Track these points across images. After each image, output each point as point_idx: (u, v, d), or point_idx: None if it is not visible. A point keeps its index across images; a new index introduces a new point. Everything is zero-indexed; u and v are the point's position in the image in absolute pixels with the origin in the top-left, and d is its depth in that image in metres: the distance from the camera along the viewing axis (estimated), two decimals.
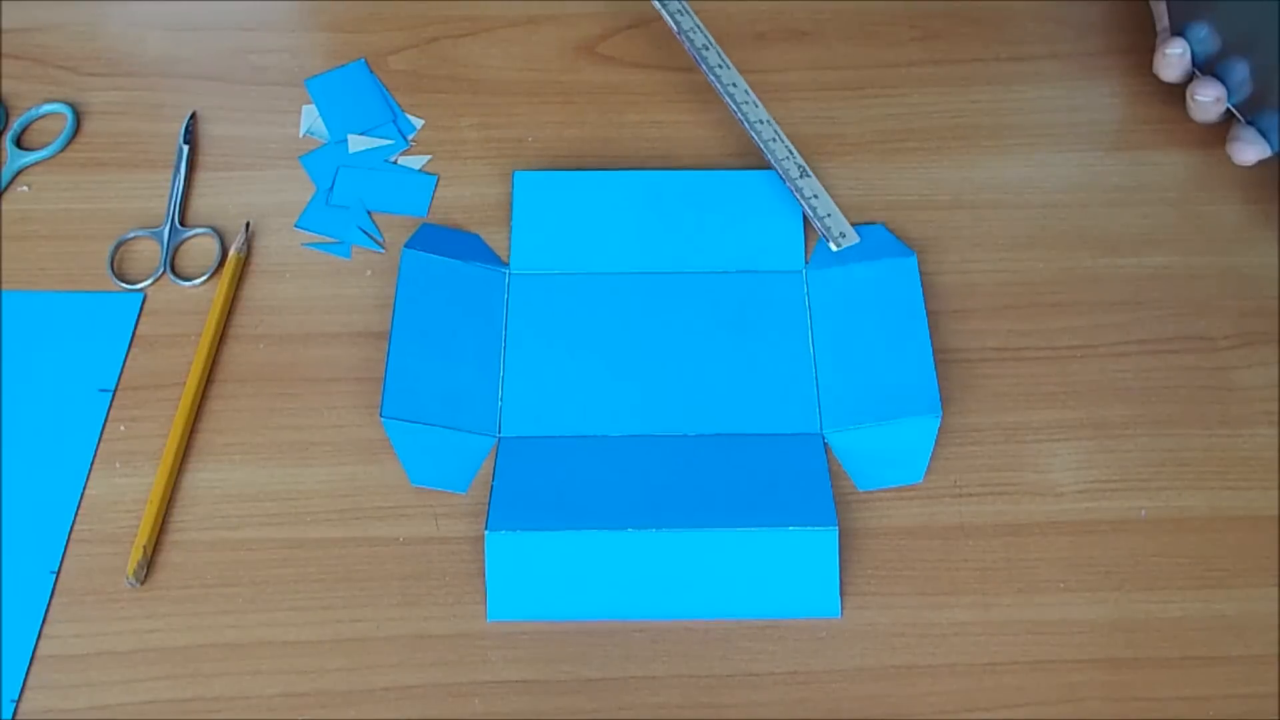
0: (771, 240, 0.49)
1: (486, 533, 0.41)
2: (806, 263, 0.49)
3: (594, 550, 0.41)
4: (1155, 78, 0.52)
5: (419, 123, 0.54)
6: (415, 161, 0.53)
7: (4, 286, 0.49)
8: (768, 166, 0.51)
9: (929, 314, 0.47)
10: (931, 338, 0.46)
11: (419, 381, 0.44)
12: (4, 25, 0.57)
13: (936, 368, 0.45)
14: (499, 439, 0.45)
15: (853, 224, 0.50)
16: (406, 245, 0.48)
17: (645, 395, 0.46)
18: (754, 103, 0.52)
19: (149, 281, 0.49)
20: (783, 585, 0.41)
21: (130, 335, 0.48)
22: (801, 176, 0.50)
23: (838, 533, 0.41)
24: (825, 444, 0.45)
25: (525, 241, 0.50)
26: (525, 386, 0.46)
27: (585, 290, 0.48)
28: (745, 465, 0.44)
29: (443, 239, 0.49)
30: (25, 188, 0.52)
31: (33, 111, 0.54)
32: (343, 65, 0.56)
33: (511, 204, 0.51)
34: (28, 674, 0.40)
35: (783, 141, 0.51)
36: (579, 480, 0.43)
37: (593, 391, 0.46)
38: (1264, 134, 0.48)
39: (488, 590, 0.41)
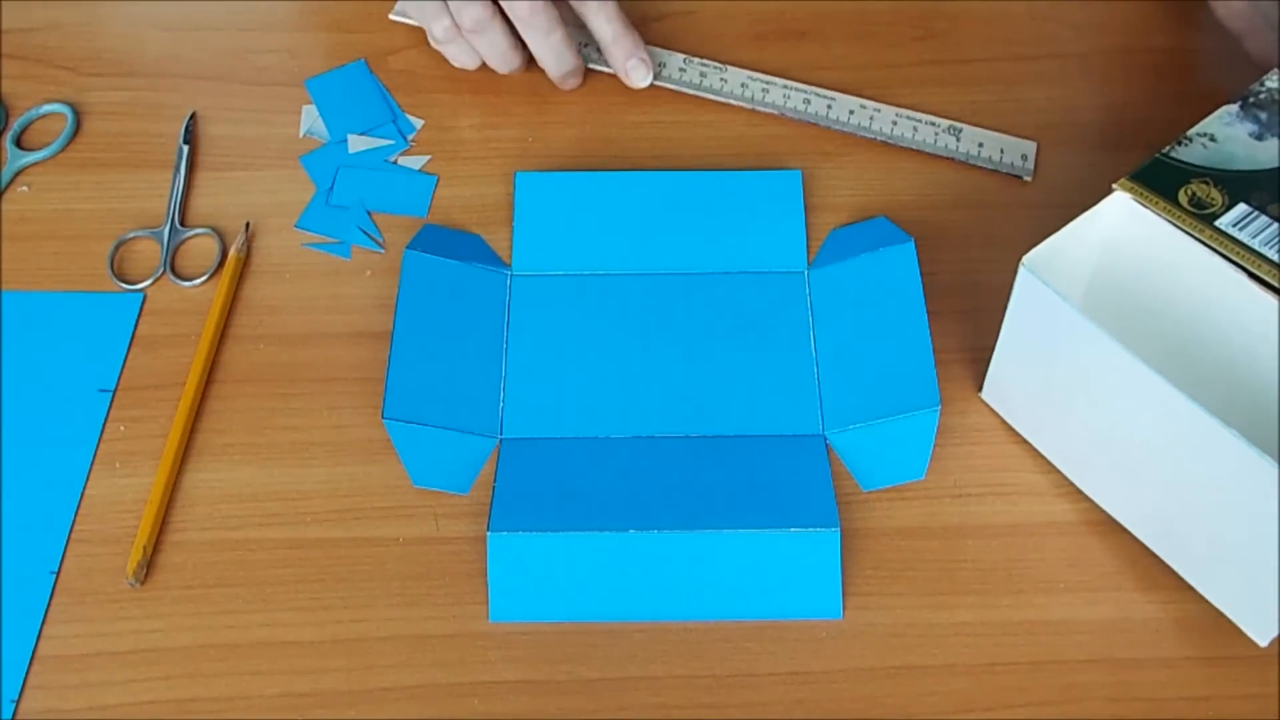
0: (774, 241, 0.49)
1: (489, 534, 0.41)
2: (809, 264, 0.49)
3: (596, 552, 0.41)
4: (1154, 79, 0.52)
5: (419, 123, 0.54)
6: (415, 161, 0.53)
7: (4, 286, 0.49)
8: (769, 167, 0.52)
9: (929, 314, 0.47)
10: (931, 338, 0.46)
11: (421, 383, 0.44)
12: (4, 25, 0.57)
13: (937, 367, 0.45)
14: (501, 440, 0.45)
15: (853, 223, 0.50)
16: (408, 246, 0.48)
17: (647, 397, 0.46)
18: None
19: (149, 281, 0.49)
20: (785, 587, 0.41)
21: (130, 335, 0.48)
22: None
23: (840, 534, 0.41)
24: (827, 445, 0.45)
25: (527, 243, 0.50)
26: (527, 388, 0.46)
27: (587, 291, 0.48)
28: (747, 467, 0.43)
29: (444, 240, 0.49)
30: (25, 188, 0.52)
31: (33, 111, 0.54)
32: (343, 65, 0.56)
33: (513, 205, 0.51)
34: (28, 674, 0.40)
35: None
36: (581, 482, 0.43)
37: (594, 393, 0.46)
38: None
39: (490, 591, 0.41)
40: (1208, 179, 0.40)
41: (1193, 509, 0.39)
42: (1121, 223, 0.41)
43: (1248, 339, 0.40)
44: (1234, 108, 0.42)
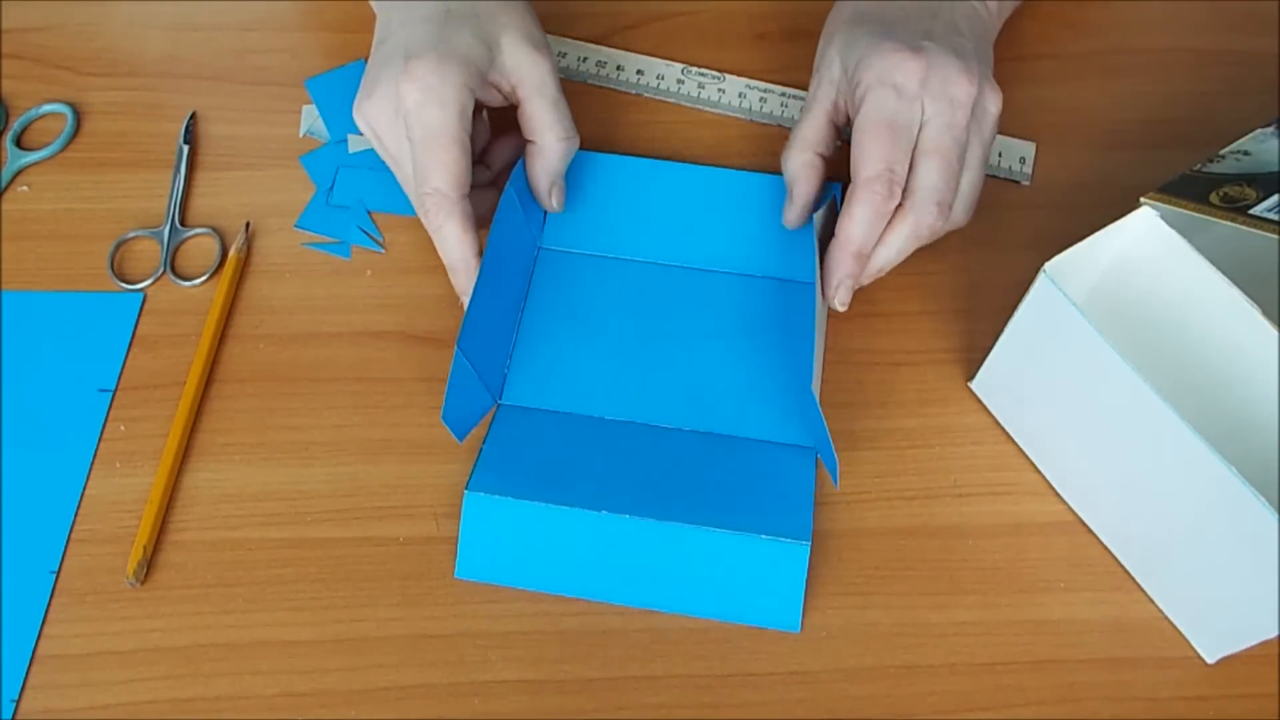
0: (795, 249, 0.49)
1: (466, 492, 0.41)
2: None
3: (568, 527, 0.41)
4: (1153, 79, 0.51)
5: None
6: None
7: (4, 286, 0.49)
8: (772, 165, 0.51)
9: (933, 313, 0.47)
10: (934, 337, 0.45)
11: (485, 327, 0.44)
12: (4, 25, 0.57)
13: (935, 366, 0.45)
14: (498, 405, 0.45)
15: None
16: (510, 182, 0.46)
17: (648, 384, 0.46)
18: None
19: (149, 281, 0.49)
20: (747, 591, 0.41)
21: (130, 335, 0.48)
22: None
23: (809, 550, 0.41)
24: (817, 460, 0.44)
25: (559, 218, 0.50)
26: (533, 359, 0.46)
27: (608, 274, 0.48)
28: (733, 468, 0.43)
29: (526, 190, 0.48)
30: (25, 188, 0.52)
31: (33, 111, 0.54)
32: (343, 65, 0.56)
33: None
34: (28, 674, 0.40)
35: None
36: (568, 457, 0.43)
37: (597, 374, 0.46)
38: None
39: (459, 548, 0.41)
40: (1241, 182, 0.39)
41: (1169, 527, 0.39)
42: (1139, 237, 0.41)
43: (1248, 368, 0.40)
44: (1269, 129, 0.42)
